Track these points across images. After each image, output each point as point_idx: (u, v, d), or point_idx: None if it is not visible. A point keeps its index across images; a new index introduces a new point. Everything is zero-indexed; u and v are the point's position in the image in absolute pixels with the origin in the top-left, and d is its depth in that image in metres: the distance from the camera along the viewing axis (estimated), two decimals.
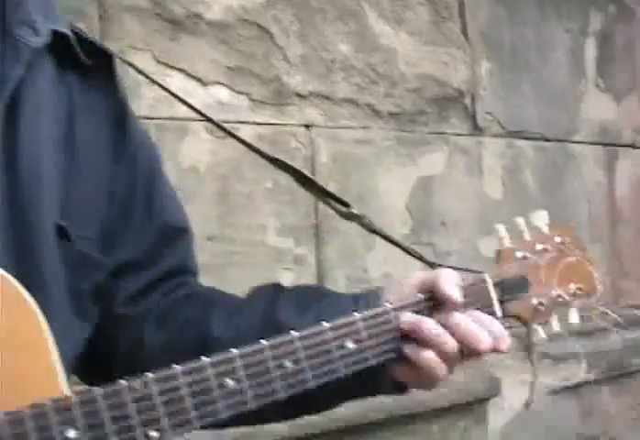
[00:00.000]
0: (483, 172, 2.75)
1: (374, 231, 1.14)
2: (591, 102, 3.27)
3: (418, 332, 0.89)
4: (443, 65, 2.66)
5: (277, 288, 1.01)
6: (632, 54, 3.55)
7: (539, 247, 1.00)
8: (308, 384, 0.85)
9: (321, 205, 2.27)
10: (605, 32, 3.40)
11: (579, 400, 3.08)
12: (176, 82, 2.07)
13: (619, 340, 3.27)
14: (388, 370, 0.92)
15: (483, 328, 0.90)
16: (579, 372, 3.04)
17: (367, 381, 0.93)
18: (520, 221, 1.01)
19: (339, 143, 2.34)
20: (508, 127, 2.87)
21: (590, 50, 3.33)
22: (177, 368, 0.78)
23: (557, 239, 1.01)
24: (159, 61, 2.05)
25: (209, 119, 1.22)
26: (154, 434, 0.76)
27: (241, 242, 2.10)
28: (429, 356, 0.88)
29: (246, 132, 2.17)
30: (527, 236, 1.01)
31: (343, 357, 0.87)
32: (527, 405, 1.04)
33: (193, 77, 2.11)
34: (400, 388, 0.95)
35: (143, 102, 2.02)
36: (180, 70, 2.09)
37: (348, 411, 2.16)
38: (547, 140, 2.99)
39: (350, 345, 0.87)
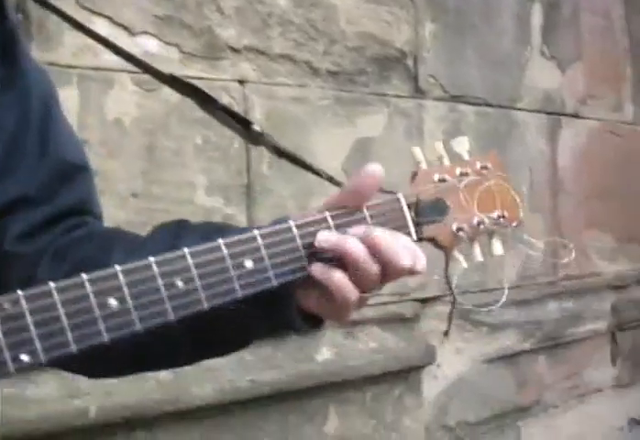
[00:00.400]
0: (424, 136, 2.69)
1: (281, 152, 1.07)
2: (536, 69, 3.22)
3: (341, 252, 0.82)
4: (385, 24, 2.58)
5: (180, 223, 0.95)
6: (577, 23, 3.52)
7: (459, 171, 0.93)
8: (202, 305, 0.78)
9: (254, 164, 2.20)
10: (552, 0, 3.36)
11: (514, 369, 3.07)
12: (101, 29, 1.95)
13: (555, 309, 3.27)
14: (295, 299, 0.85)
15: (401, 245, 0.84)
16: (515, 341, 3.03)
17: (273, 314, 0.87)
18: (439, 145, 0.94)
19: (274, 100, 2.25)
20: (450, 91, 2.81)
21: (537, 17, 3.28)
22: (51, 284, 0.71)
23: (479, 165, 0.95)
24: (82, 7, 1.93)
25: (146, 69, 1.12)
26: (25, 357, 0.69)
27: (168, 200, 2.01)
28: (340, 276, 0.81)
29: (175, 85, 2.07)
30: (447, 162, 0.94)
31: (241, 277, 0.79)
32: (446, 333, 0.99)
33: (120, 25, 1.99)
34: (312, 322, 0.88)
35: (65, 49, 1.91)
36: (105, 17, 1.97)
37: (276, 377, 2.10)
38: (490, 106, 2.94)
39: (249, 263, 0.80)
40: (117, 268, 0.74)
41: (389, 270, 0.83)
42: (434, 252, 2.80)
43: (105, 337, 0.73)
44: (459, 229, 0.91)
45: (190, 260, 0.77)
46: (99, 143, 1.93)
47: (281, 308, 0.86)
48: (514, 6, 3.16)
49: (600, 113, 3.61)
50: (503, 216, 0.94)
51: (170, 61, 2.07)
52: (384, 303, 2.54)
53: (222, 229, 0.92)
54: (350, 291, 0.82)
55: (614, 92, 3.74)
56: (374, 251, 0.82)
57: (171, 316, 0.76)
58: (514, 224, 0.95)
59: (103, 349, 0.89)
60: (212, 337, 0.89)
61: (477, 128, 2.86)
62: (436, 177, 0.92)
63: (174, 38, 2.07)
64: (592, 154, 3.52)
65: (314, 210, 0.87)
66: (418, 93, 2.70)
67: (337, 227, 0.84)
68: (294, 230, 0.83)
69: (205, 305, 0.78)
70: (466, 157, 0.95)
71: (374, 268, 0.82)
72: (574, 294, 3.40)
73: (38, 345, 0.69)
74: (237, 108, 2.17)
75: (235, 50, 2.18)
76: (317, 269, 0.82)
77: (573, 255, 1.01)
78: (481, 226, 0.92)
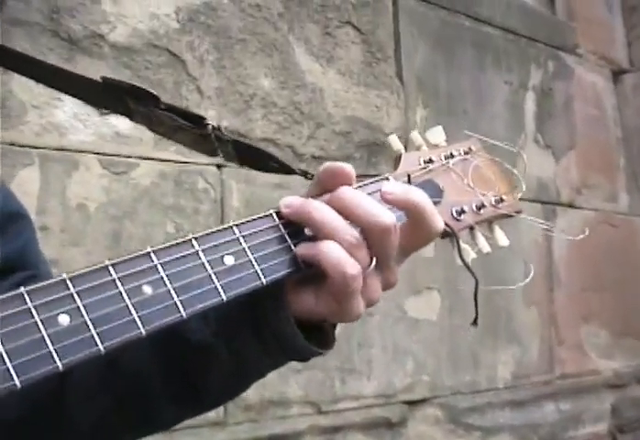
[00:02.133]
0: None
1: (244, 156, 0.93)
2: (530, 158, 3.12)
3: (306, 216, 0.68)
4: (374, 109, 2.47)
5: None
6: (570, 112, 3.45)
7: (443, 154, 0.84)
8: (179, 313, 0.62)
9: None
10: (545, 88, 3.29)
11: None
12: (68, 108, 1.82)
13: (552, 411, 3.07)
14: (293, 309, 0.71)
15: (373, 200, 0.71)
16: None
17: (267, 335, 0.71)
18: (415, 135, 0.86)
19: (253, 186, 2.10)
20: None
21: (530, 105, 3.20)
22: None
23: (462, 148, 0.86)
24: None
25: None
26: None
27: None
28: (329, 245, 0.67)
29: (147, 169, 1.92)
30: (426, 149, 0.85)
31: (221, 275, 0.65)
32: (475, 321, 0.84)
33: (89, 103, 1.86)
34: (316, 338, 0.72)
35: (28, 128, 1.77)
36: (75, 94, 1.83)
37: None
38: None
39: (229, 259, 0.66)
40: (64, 275, 0.59)
41: (370, 234, 0.69)
42: (421, 351, 2.56)
43: (59, 363, 0.56)
44: (460, 212, 0.81)
45: (155, 260, 0.63)
46: (60, 229, 1.77)
47: (275, 325, 0.71)
48: (507, 93, 3.08)
49: (594, 203, 3.50)
50: (502, 200, 0.83)
51: (141, 143, 1.93)
52: (368, 407, 2.34)
53: None
54: (347, 262, 0.67)
55: (609, 181, 3.65)
56: (344, 211, 0.69)
57: (141, 330, 0.60)
58: (515, 211, 0.85)
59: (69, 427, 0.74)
60: (198, 385, 0.75)
61: None
62: (422, 160, 0.82)
63: None
64: (587, 245, 3.39)
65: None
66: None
67: None
68: (275, 218, 0.70)
69: (184, 313, 0.63)
70: (444, 145, 0.86)
71: (349, 233, 0.68)
72: (572, 394, 3.20)
73: None
74: (214, 194, 2.02)
75: None
76: (302, 248, 0.68)
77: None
78: (482, 211, 0.82)
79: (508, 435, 2.81)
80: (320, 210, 0.68)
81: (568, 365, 3.22)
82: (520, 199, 2.89)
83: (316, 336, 0.73)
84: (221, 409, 1.99)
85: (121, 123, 1.90)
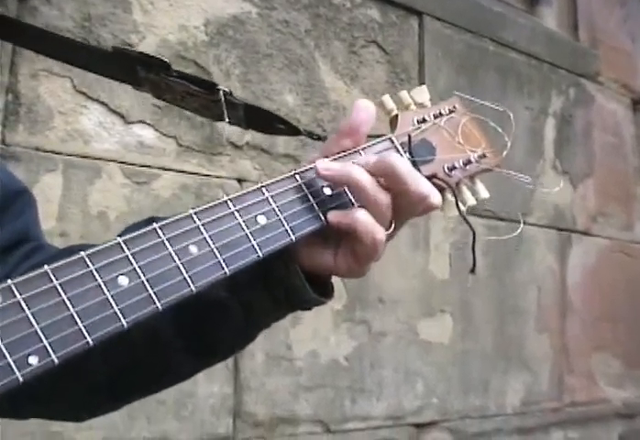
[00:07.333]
0: (430, 248, 2.53)
1: (251, 116, 0.95)
2: (548, 184, 3.11)
3: (346, 179, 0.73)
4: None
5: (151, 218, 0.81)
6: (590, 139, 3.44)
7: (432, 113, 0.88)
8: (223, 270, 0.67)
9: None
10: (565, 115, 3.28)
11: None
12: (94, 115, 1.83)
13: (560, 439, 3.04)
14: (300, 265, 0.75)
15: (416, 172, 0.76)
16: None
17: (276, 287, 0.75)
18: (405, 94, 0.89)
19: None
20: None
21: (550, 131, 3.19)
22: (46, 267, 0.58)
23: (447, 107, 0.90)
24: (77, 91, 1.81)
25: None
26: (34, 359, 0.56)
27: None
28: (363, 214, 0.71)
29: (168, 180, 1.92)
30: (415, 108, 0.89)
31: (256, 234, 0.70)
32: (472, 270, 0.94)
33: (115, 112, 1.86)
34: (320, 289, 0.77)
35: (53, 134, 1.77)
36: (100, 102, 1.84)
37: None
38: (500, 219, 2.80)
39: (261, 219, 0.71)
40: (118, 239, 0.63)
41: (403, 201, 0.74)
42: (432, 374, 2.55)
43: (123, 322, 0.61)
44: (452, 168, 0.86)
45: (198, 221, 0.67)
46: (80, 236, 1.77)
47: (285, 278, 0.75)
48: (527, 119, 3.07)
49: (610, 231, 3.48)
50: (484, 155, 0.89)
51: (164, 153, 1.93)
52: (377, 428, 2.32)
53: None
54: (378, 229, 0.72)
55: (624, 210, 3.63)
56: (389, 176, 0.73)
57: (192, 288, 0.65)
58: (496, 165, 0.90)
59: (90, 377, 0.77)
60: (209, 338, 0.78)
61: (486, 242, 2.71)
62: (415, 120, 0.87)
63: (172, 130, 1.94)
64: (602, 274, 3.37)
65: (312, 158, 0.78)
66: None
67: None
68: (298, 178, 0.74)
69: (227, 270, 0.67)
70: (429, 105, 0.90)
71: (385, 198, 0.73)
72: (580, 423, 3.17)
73: (45, 341, 0.56)
74: None
75: (236, 146, 2.05)
76: (336, 216, 0.73)
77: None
78: (468, 167, 0.88)
79: None
80: (359, 175, 0.72)
81: (578, 393, 3.19)
82: (537, 225, 2.90)
83: (317, 286, 0.77)
84: (230, 424, 1.98)
85: (145, 133, 1.91)
